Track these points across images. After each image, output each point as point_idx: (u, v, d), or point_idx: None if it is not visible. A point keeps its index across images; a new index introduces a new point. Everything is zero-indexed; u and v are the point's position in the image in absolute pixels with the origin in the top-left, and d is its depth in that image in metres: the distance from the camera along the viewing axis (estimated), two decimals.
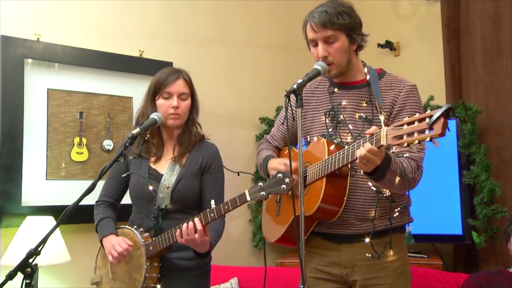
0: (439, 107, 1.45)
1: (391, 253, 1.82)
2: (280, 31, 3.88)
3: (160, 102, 2.08)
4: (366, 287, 1.84)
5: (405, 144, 1.44)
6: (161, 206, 2.03)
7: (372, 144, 1.53)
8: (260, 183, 1.75)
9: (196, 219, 1.86)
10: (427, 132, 1.37)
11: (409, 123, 1.43)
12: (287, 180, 1.68)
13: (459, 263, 3.09)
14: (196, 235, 1.85)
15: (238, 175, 1.77)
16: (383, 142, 1.50)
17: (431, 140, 1.37)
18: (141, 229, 2.06)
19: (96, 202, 2.19)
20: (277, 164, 1.93)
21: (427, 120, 1.36)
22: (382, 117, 1.69)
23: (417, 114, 1.42)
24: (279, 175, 1.71)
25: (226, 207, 1.83)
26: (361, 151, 1.56)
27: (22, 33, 2.78)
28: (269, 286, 2.82)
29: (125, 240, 2.00)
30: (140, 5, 3.25)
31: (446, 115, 1.34)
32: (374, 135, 1.54)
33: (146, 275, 1.95)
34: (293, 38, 3.83)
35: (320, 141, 1.85)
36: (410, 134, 1.41)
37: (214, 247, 2.03)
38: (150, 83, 2.15)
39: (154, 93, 2.10)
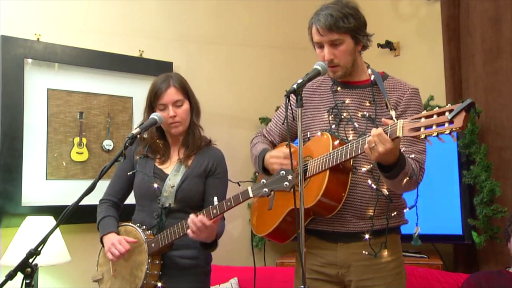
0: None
1: (386, 253, 1.82)
2: (280, 31, 3.88)
3: None
4: None
5: (422, 136, 1.45)
6: (164, 205, 2.05)
7: (387, 134, 1.55)
8: (263, 180, 1.75)
9: (200, 216, 1.86)
10: (446, 125, 1.38)
11: (426, 117, 1.44)
12: (289, 177, 1.68)
13: (459, 263, 3.09)
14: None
15: (239, 185, 1.78)
16: (399, 133, 1.51)
17: (450, 133, 1.38)
18: (144, 227, 2.07)
19: (100, 200, 2.20)
20: (275, 152, 1.90)
21: (446, 113, 1.38)
22: (393, 113, 1.70)
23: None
24: (282, 172, 1.70)
25: (229, 203, 1.84)
26: (372, 132, 1.57)
27: (22, 33, 2.78)
28: (269, 285, 2.83)
29: (126, 238, 2.00)
30: (140, 5, 3.25)
31: (467, 109, 1.35)
32: (390, 127, 1.55)
33: (148, 271, 1.95)
34: (293, 38, 3.83)
35: (324, 136, 1.85)
36: (428, 127, 1.43)
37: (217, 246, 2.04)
38: (147, 94, 2.15)
39: (151, 106, 2.12)
